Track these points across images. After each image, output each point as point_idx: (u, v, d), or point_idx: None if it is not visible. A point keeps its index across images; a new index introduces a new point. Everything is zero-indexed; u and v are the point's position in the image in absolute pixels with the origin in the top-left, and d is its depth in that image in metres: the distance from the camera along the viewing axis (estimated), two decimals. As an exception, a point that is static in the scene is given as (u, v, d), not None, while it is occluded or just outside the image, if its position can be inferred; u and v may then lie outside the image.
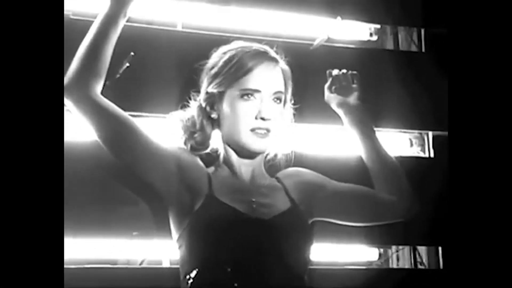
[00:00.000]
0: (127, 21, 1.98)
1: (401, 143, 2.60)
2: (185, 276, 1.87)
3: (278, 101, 1.94)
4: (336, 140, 2.47)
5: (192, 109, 2.01)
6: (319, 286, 2.16)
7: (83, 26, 1.98)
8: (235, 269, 1.83)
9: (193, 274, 1.86)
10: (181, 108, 2.03)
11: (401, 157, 2.42)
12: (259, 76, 1.92)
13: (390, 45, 2.83)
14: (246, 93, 1.91)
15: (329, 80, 2.19)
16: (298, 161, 2.10)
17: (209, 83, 1.96)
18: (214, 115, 1.97)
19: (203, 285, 1.85)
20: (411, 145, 2.60)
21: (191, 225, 1.88)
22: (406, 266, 2.75)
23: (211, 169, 2.00)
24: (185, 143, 2.00)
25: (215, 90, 1.95)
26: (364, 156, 2.15)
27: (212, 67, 1.97)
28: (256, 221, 1.88)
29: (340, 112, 2.18)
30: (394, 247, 2.74)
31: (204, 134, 1.99)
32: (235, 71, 1.92)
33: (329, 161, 2.35)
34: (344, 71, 2.18)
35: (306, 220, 1.99)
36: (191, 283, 1.85)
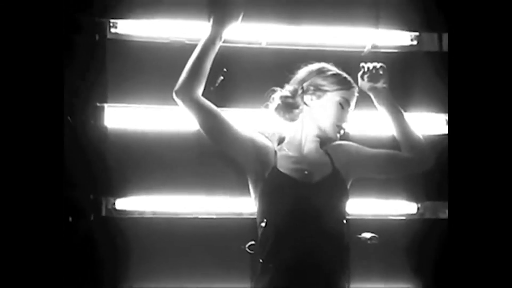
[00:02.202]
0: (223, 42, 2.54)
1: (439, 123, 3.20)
2: (260, 224, 2.50)
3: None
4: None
5: (291, 91, 2.59)
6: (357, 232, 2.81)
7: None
8: (289, 218, 2.46)
9: (263, 224, 2.48)
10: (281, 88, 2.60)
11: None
12: (352, 94, 2.58)
13: (430, 48, 3.28)
14: (344, 102, 2.54)
15: (361, 70, 2.73)
16: (345, 138, 2.65)
17: (318, 82, 2.57)
18: (309, 103, 2.58)
19: (269, 231, 2.46)
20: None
21: (261, 190, 2.50)
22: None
23: (278, 147, 2.59)
24: (278, 112, 2.58)
25: (321, 88, 2.57)
26: (391, 127, 2.70)
27: (321, 72, 2.58)
28: (306, 185, 2.48)
29: (370, 94, 2.72)
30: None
31: (295, 111, 2.58)
32: (340, 84, 2.56)
33: (369, 138, 2.95)
34: (375, 63, 2.72)
35: (344, 181, 2.55)
36: (263, 228, 2.47)
